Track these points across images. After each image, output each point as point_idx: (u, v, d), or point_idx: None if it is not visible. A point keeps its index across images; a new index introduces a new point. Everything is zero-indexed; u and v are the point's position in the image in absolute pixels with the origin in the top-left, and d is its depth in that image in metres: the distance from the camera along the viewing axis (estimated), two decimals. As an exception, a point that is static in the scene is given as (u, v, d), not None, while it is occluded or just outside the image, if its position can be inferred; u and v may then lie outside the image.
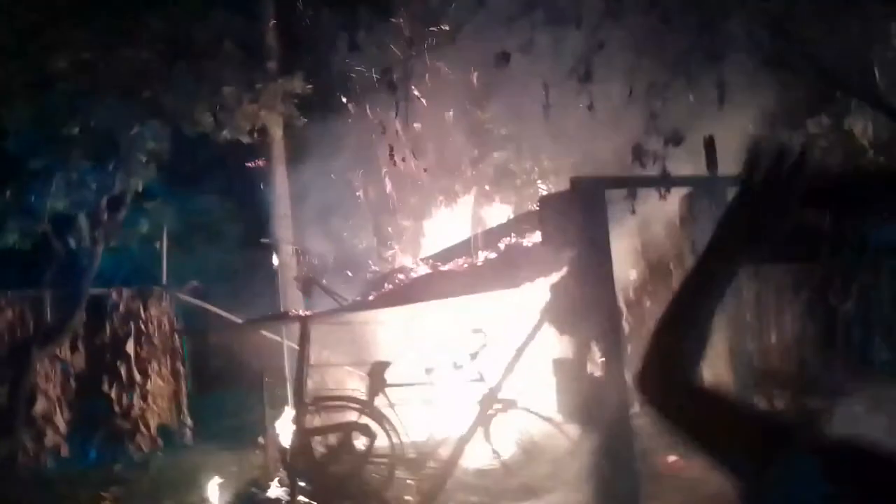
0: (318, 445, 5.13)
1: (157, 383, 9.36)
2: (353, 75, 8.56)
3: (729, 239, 1.12)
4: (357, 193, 9.06)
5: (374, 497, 4.85)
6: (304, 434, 5.06)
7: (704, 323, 1.12)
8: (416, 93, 7.81)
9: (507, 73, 6.45)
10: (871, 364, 5.36)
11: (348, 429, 5.15)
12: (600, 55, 5.47)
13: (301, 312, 5.72)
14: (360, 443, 5.20)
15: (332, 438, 5.17)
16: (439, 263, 6.75)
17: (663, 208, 5.04)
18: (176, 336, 9.45)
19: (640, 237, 4.94)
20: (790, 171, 1.08)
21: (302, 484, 5.05)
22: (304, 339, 5.41)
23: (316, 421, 5.32)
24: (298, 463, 4.98)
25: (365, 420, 5.23)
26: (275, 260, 8.97)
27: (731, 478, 1.00)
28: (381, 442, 5.29)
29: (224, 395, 9.94)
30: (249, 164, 10.17)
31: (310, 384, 6.15)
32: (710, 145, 5.14)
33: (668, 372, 1.09)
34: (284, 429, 5.71)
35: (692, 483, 5.65)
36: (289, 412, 5.94)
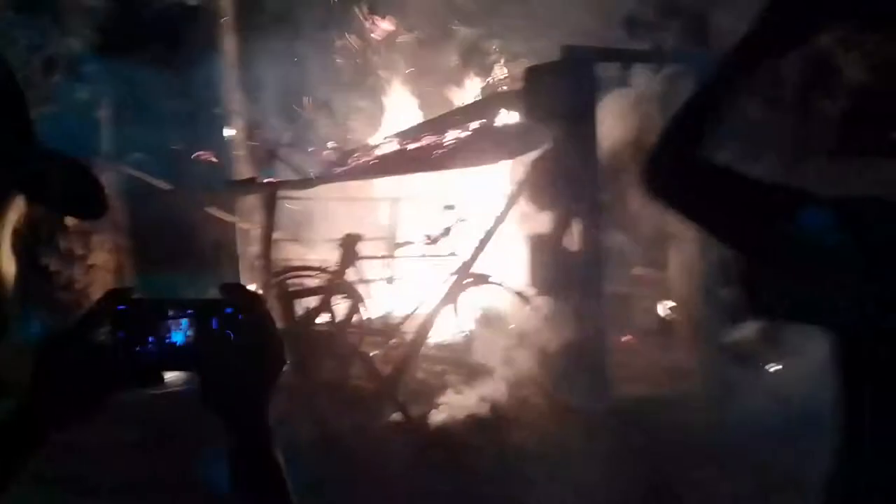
0: (298, 308, 5.09)
1: (101, 256, 9.03)
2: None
3: (771, 29, 1.09)
4: (315, 66, 8.62)
5: (354, 359, 4.88)
6: (283, 296, 5.00)
7: (722, 111, 1.13)
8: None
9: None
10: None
11: (330, 292, 5.11)
12: None
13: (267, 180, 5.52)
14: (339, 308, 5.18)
15: (313, 301, 5.13)
16: (407, 141, 6.58)
17: (650, 85, 4.97)
18: (119, 209, 9.04)
19: (626, 113, 4.89)
20: None
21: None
22: (270, 209, 5.24)
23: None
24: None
25: (336, 289, 5.19)
26: (226, 133, 8.56)
27: (744, 253, 1.05)
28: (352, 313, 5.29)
29: (170, 275, 9.70)
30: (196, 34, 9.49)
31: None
32: (701, 21, 5.06)
33: (683, 153, 1.11)
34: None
35: (647, 358, 5.94)
36: (251, 286, 5.81)
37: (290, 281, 5.19)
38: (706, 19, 4.81)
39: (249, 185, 6.42)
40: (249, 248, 8.11)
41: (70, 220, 8.76)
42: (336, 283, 5.13)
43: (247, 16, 8.85)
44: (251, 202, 7.75)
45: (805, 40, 1.09)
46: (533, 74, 4.92)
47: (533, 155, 5.23)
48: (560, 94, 4.64)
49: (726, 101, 1.11)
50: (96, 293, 8.30)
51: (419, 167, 5.67)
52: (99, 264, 8.86)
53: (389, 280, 5.65)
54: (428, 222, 5.99)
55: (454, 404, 4.74)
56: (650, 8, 5.01)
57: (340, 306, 5.11)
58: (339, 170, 6.11)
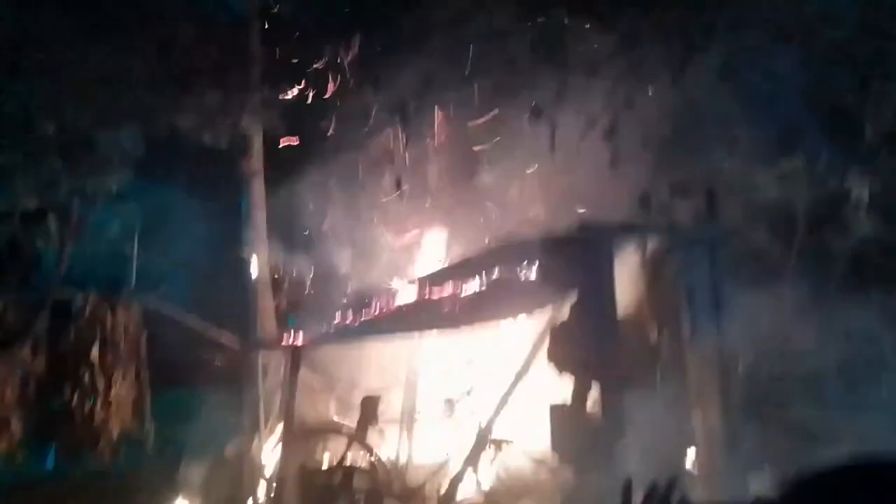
0: (317, 482, 5.05)
1: (121, 391, 9.08)
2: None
3: None
4: (338, 208, 8.95)
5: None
6: (305, 473, 4.98)
7: None
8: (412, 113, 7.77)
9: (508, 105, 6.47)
10: None
11: (350, 471, 5.09)
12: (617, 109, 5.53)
13: (292, 340, 5.63)
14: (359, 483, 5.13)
15: (334, 478, 5.09)
16: (428, 288, 6.72)
17: (665, 256, 5.12)
18: (142, 343, 9.18)
19: (643, 282, 5.01)
20: None
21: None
22: (294, 368, 5.32)
23: (304, 450, 5.24)
24: (293, 499, 4.89)
25: (356, 453, 5.17)
26: (252, 271, 8.78)
27: None
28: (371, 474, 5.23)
29: (187, 399, 9.75)
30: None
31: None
32: (711, 197, 5.26)
33: None
34: (270, 458, 5.59)
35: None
36: (272, 441, 5.82)
37: (308, 440, 5.19)
38: (715, 196, 5.02)
39: (274, 346, 6.55)
40: (269, 379, 8.14)
41: (94, 356, 8.93)
42: (355, 448, 5.12)
43: (275, 160, 9.27)
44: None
45: None
46: (551, 245, 5.09)
47: (551, 314, 5.32)
48: (577, 265, 4.78)
49: None
50: (113, 427, 8.26)
51: (439, 324, 5.78)
52: (118, 399, 8.88)
53: (410, 441, 5.63)
54: (448, 375, 6.02)
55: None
56: (663, 186, 5.26)
57: (370, 479, 5.08)
58: (360, 321, 6.23)
